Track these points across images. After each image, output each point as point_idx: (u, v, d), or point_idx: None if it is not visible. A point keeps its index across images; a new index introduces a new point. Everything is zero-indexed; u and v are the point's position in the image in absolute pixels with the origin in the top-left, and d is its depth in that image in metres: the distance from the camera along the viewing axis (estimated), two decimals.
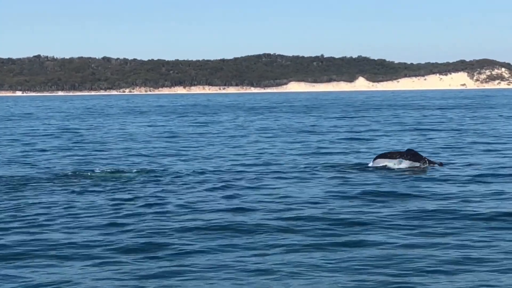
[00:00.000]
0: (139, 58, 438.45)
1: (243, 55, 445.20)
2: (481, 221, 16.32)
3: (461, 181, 22.69)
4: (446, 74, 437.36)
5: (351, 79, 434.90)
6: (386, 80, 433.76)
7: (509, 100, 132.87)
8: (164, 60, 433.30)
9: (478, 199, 19.22)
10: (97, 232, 15.65)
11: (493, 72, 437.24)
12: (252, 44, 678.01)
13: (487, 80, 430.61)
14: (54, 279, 12.05)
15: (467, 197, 19.52)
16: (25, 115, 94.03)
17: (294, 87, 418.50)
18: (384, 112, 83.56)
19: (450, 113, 77.40)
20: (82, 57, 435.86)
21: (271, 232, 15.26)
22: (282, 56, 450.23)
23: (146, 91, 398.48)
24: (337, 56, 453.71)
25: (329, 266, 12.56)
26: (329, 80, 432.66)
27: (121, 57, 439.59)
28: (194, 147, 37.82)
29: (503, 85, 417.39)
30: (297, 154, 32.68)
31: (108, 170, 26.80)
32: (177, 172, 26.24)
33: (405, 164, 25.87)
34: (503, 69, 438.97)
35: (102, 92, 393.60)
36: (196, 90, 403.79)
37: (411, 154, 26.22)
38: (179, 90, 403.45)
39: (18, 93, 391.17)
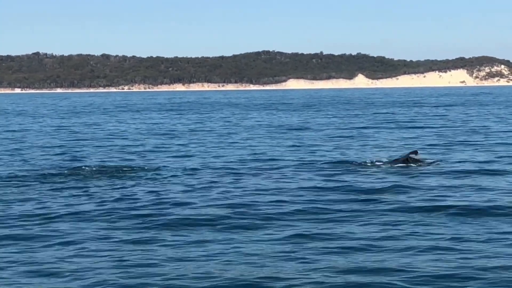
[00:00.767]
0: (138, 55, 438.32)
1: (242, 52, 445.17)
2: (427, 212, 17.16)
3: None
4: (445, 71, 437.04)
5: (350, 76, 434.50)
6: (386, 78, 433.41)
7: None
8: (163, 57, 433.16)
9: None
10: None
11: (493, 69, 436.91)
12: (251, 41, 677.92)
13: (487, 77, 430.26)
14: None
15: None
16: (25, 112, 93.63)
17: (293, 84, 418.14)
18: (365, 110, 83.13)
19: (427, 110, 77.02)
20: (81, 54, 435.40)
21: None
22: (281, 53, 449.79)
23: (145, 88, 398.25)
24: (336, 53, 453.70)
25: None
26: (329, 77, 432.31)
27: (120, 54, 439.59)
28: (184, 144, 37.78)
29: (503, 82, 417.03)
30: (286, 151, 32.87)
31: (95, 168, 26.50)
32: (165, 168, 26.49)
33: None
34: (502, 66, 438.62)
35: (101, 90, 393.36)
36: (195, 87, 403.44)
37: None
38: (178, 87, 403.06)
39: (17, 90, 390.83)
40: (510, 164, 26.62)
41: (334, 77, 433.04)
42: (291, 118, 66.00)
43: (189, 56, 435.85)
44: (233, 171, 25.67)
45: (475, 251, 13.31)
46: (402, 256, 12.91)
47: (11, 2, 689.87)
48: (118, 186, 21.92)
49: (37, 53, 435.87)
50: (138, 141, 41.01)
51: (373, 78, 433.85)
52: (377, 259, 12.78)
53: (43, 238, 14.80)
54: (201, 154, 32.58)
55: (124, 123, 62.72)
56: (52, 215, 17.29)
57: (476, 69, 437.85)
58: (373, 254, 13.15)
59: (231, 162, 28.86)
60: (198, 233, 15.14)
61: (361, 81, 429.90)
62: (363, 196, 19.63)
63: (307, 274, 11.89)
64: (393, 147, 34.10)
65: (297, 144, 36.99)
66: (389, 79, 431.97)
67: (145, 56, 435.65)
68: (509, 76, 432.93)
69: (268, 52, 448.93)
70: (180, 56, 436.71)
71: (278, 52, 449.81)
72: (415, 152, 26.98)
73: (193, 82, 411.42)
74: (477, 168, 25.44)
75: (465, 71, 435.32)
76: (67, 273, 12.03)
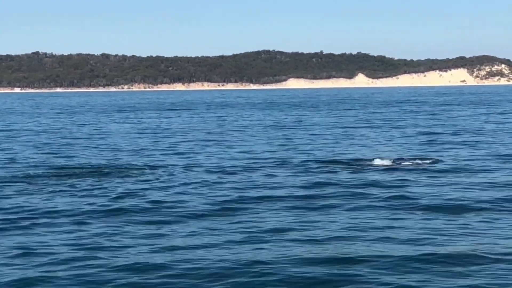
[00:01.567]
0: (137, 55, 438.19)
1: (242, 52, 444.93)
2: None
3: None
4: (445, 71, 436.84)
5: (350, 75, 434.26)
6: (386, 77, 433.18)
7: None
8: (163, 56, 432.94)
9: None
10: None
11: (493, 69, 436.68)
12: (251, 40, 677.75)
13: (487, 76, 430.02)
14: None
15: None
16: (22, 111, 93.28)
17: (293, 83, 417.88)
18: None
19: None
20: (80, 54, 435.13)
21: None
22: (281, 53, 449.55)
23: (145, 88, 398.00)
24: (336, 53, 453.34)
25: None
26: (329, 77, 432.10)
27: (120, 53, 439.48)
28: (174, 143, 37.59)
29: (503, 81, 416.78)
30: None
31: (85, 168, 26.20)
32: (153, 167, 26.73)
33: None
34: (503, 66, 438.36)
35: (101, 89, 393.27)
36: (195, 86, 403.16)
37: None
38: (178, 86, 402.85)
39: (17, 90, 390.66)
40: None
41: (334, 77, 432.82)
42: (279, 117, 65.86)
43: (189, 56, 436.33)
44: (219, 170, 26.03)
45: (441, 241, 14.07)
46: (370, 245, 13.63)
47: (10, 1, 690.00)
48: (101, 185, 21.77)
49: (37, 53, 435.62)
50: (127, 140, 40.61)
51: (373, 78, 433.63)
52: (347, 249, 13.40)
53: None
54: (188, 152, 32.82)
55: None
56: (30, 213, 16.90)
57: (477, 68, 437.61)
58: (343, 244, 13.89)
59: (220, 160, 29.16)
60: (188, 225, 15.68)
61: (361, 81, 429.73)
62: (341, 191, 20.50)
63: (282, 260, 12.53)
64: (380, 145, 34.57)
65: (285, 143, 37.25)
66: (389, 79, 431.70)
67: (144, 56, 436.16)
68: (510, 75, 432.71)
69: (268, 51, 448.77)
70: (180, 55, 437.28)
71: (278, 51, 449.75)
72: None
73: (193, 81, 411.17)
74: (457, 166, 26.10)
75: (466, 70, 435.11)
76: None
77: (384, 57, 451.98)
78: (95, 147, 36.05)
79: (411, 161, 27.10)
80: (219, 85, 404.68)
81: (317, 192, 20.35)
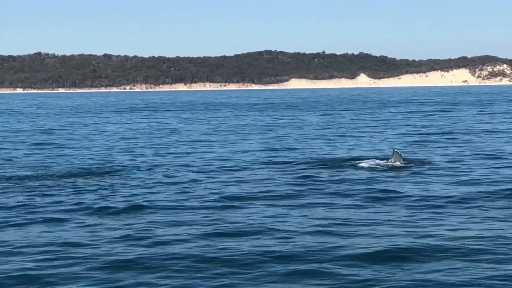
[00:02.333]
0: (139, 55, 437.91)
1: (244, 52, 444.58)
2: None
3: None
4: (447, 71, 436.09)
5: (352, 76, 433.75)
6: (388, 77, 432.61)
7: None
8: (165, 57, 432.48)
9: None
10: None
11: (495, 69, 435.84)
12: (253, 41, 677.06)
13: (489, 76, 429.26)
14: None
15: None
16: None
17: (295, 84, 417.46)
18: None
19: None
20: (83, 54, 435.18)
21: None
22: (283, 53, 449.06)
23: (146, 88, 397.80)
24: (338, 53, 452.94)
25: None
26: (331, 77, 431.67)
27: (122, 54, 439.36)
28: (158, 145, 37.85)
29: (505, 81, 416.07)
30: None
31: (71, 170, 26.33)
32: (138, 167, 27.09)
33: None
34: (504, 66, 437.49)
35: (103, 89, 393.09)
36: (197, 87, 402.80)
37: None
38: (180, 87, 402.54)
39: (19, 90, 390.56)
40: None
41: (336, 77, 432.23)
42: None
43: (191, 56, 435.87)
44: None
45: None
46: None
47: (12, 2, 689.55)
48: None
49: (39, 53, 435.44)
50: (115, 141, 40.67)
51: (375, 78, 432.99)
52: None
53: None
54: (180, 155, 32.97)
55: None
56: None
57: (479, 68, 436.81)
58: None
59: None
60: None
61: (363, 81, 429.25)
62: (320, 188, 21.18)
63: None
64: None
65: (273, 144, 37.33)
66: (391, 79, 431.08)
67: (147, 56, 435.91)
68: (511, 75, 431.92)
69: (270, 51, 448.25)
70: (182, 55, 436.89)
71: (280, 51, 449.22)
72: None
73: (195, 82, 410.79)
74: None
75: (468, 70, 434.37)
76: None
77: (386, 57, 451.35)
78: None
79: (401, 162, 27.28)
80: (221, 86, 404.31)
81: (298, 190, 20.86)
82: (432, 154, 30.65)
